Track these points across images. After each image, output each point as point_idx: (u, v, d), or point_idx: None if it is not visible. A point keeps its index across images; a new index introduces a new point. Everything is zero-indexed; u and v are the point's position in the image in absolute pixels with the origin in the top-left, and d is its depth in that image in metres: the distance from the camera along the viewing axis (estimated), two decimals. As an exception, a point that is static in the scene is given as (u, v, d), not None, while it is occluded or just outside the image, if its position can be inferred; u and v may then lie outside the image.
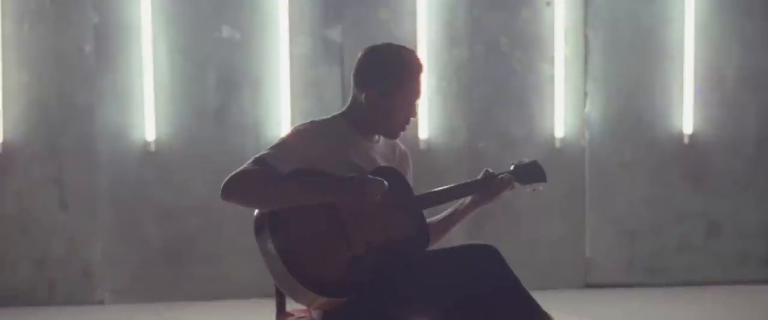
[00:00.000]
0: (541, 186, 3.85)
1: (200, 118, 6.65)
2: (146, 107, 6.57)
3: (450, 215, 3.85)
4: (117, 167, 6.61)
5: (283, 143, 3.46)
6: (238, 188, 3.32)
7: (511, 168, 3.83)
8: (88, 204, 6.62)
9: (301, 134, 3.50)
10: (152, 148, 6.61)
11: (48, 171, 6.59)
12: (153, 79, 6.55)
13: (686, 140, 6.97)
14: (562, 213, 6.94)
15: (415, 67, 3.58)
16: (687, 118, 6.95)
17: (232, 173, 3.34)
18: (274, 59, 6.64)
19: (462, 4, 6.77)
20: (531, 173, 3.84)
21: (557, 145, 6.86)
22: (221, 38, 6.62)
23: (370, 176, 3.40)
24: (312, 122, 3.58)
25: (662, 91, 6.93)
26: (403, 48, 3.62)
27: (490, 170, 3.78)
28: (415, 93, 3.60)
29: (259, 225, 3.37)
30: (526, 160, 3.87)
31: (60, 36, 6.52)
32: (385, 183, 3.40)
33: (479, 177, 3.78)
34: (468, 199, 3.80)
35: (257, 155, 3.41)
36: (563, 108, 6.86)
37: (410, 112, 3.60)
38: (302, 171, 3.39)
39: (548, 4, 6.79)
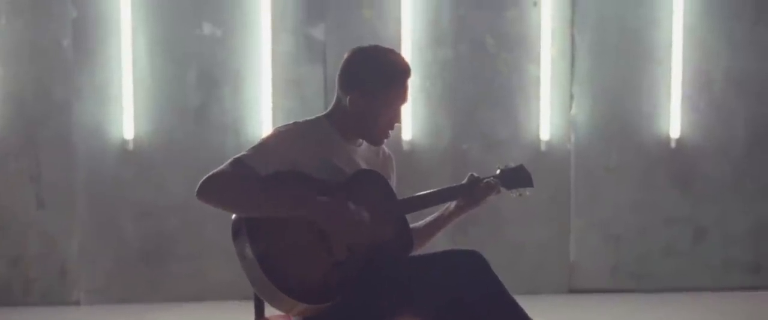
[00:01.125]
0: (527, 192, 3.82)
1: (180, 116, 6.62)
2: (125, 104, 6.54)
3: (434, 220, 3.81)
4: (94, 164, 6.57)
5: (264, 144, 3.42)
6: (214, 190, 3.27)
7: (497, 172, 3.80)
8: (65, 201, 6.58)
9: (282, 135, 3.45)
10: (130, 145, 6.58)
11: (24, 167, 6.55)
12: (132, 75, 6.52)
13: (673, 144, 6.96)
14: (547, 217, 6.92)
15: (402, 71, 3.54)
16: (674, 121, 6.94)
17: (209, 174, 3.29)
18: (256, 57, 6.62)
19: (447, 3, 6.75)
20: (517, 178, 3.81)
21: (542, 147, 6.85)
22: (202, 35, 6.59)
23: (350, 204, 3.33)
24: (294, 123, 3.54)
25: (649, 94, 6.92)
26: (391, 51, 3.58)
27: (475, 174, 3.74)
28: (401, 98, 3.56)
29: (237, 229, 3.32)
30: (512, 164, 3.83)
31: (38, 29, 6.48)
32: (366, 216, 3.34)
33: (464, 181, 3.74)
34: (453, 204, 3.77)
35: (236, 156, 3.36)
36: (549, 110, 6.84)
37: (395, 117, 3.56)
38: (282, 177, 3.34)
39: (535, 4, 6.78)
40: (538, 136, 6.86)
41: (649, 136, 6.96)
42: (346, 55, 3.55)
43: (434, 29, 6.76)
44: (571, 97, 6.87)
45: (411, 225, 3.66)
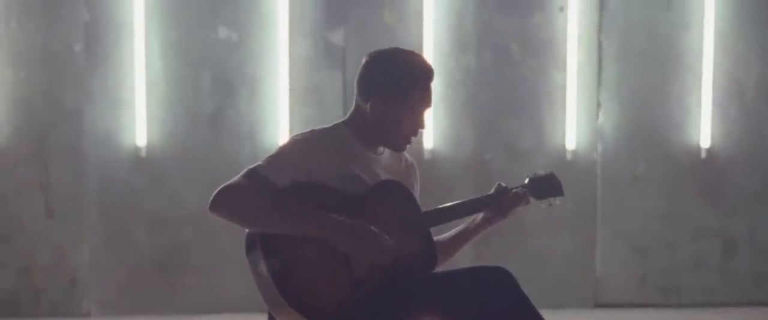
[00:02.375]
0: (557, 201, 3.73)
1: (194, 123, 6.58)
2: (137, 110, 6.51)
3: (459, 233, 3.71)
4: (106, 172, 6.53)
5: (280, 154, 3.33)
6: (226, 203, 3.20)
7: (526, 181, 3.70)
8: (76, 210, 6.54)
9: (299, 144, 3.36)
10: (143, 153, 6.54)
11: (33, 175, 6.51)
12: (145, 80, 6.48)
13: (703, 153, 6.91)
14: (572, 229, 6.86)
15: (425, 74, 3.43)
16: (704, 130, 6.89)
17: (223, 185, 3.22)
18: (273, 62, 6.58)
19: (471, 7, 6.70)
20: (548, 187, 3.71)
21: (568, 157, 6.79)
22: (217, 39, 6.55)
23: (374, 230, 3.22)
24: (312, 131, 3.45)
25: (679, 102, 6.87)
26: (412, 53, 3.48)
27: (503, 184, 3.65)
28: (425, 102, 3.45)
29: (250, 243, 3.23)
30: (541, 172, 3.74)
31: (49, 33, 6.44)
32: (392, 243, 3.21)
33: (491, 191, 3.65)
34: (479, 216, 3.67)
35: (252, 166, 3.27)
36: (575, 118, 6.79)
37: (418, 122, 3.46)
38: (300, 189, 3.25)
39: (561, 9, 6.73)
40: (563, 144, 6.81)
41: (678, 145, 6.91)
42: (364, 60, 3.45)
43: (457, 34, 6.71)
44: (598, 104, 6.82)
45: (435, 239, 3.57)
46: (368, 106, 3.40)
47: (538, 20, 6.76)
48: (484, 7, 6.72)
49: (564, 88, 6.76)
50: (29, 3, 6.42)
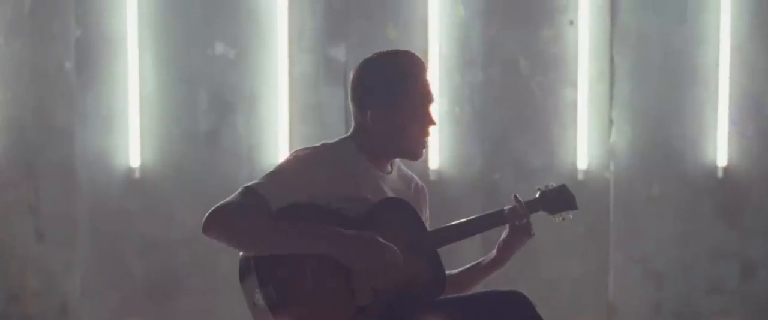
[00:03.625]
0: (571, 215, 3.64)
1: (190, 143, 6.51)
2: (131, 129, 6.44)
3: (476, 263, 3.60)
4: (98, 194, 6.47)
5: (279, 171, 3.22)
6: (220, 224, 3.10)
7: (537, 195, 3.61)
8: (67, 234, 6.47)
9: (301, 161, 3.25)
10: (137, 174, 6.48)
11: (22, 198, 6.45)
12: (139, 98, 6.42)
13: (720, 173, 6.79)
14: (584, 252, 6.76)
15: (416, 68, 3.34)
16: (721, 148, 6.78)
17: (217, 205, 3.12)
18: (272, 79, 6.51)
19: (477, 22, 6.62)
20: (560, 200, 3.63)
21: (580, 176, 6.69)
22: (214, 55, 6.48)
23: (382, 240, 3.09)
24: (315, 147, 3.35)
25: (694, 119, 6.77)
26: (397, 51, 3.40)
27: (518, 196, 3.53)
28: (425, 97, 3.35)
29: (245, 270, 3.12)
30: (552, 185, 3.66)
31: (38, 50, 6.38)
32: (398, 253, 3.06)
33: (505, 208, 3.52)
34: (494, 252, 3.55)
35: (248, 184, 3.17)
36: (586, 136, 6.70)
37: (426, 120, 3.35)
38: (299, 210, 3.13)
39: (571, 22, 6.65)
40: (574, 164, 6.71)
41: (694, 164, 6.80)
42: (352, 72, 3.36)
43: (463, 50, 6.63)
44: (611, 122, 6.72)
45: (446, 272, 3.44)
46: (368, 116, 3.29)
47: (547, 34, 6.67)
48: (491, 21, 6.64)
49: (575, 104, 6.67)
50: (17, 19, 6.36)
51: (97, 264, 6.50)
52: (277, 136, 6.52)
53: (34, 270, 6.48)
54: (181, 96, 6.49)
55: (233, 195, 3.16)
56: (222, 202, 3.14)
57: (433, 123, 3.37)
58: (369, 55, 3.48)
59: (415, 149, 3.36)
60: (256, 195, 3.13)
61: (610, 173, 6.74)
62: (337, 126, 6.43)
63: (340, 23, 6.57)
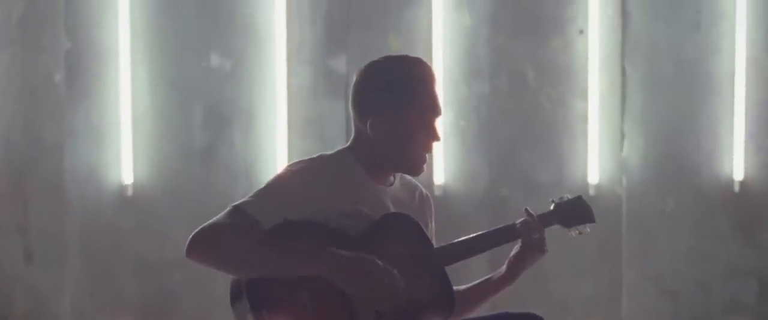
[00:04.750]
0: (588, 228, 3.52)
1: (184, 159, 6.46)
2: (123, 145, 6.39)
3: (485, 280, 3.46)
4: (89, 212, 6.42)
5: (271, 188, 3.10)
6: (205, 247, 2.97)
7: (551, 207, 3.49)
8: (57, 254, 6.41)
9: (294, 176, 3.12)
10: (129, 191, 6.42)
11: (10, 216, 6.41)
12: (131, 113, 6.37)
13: (736, 187, 6.72)
14: (596, 270, 6.68)
15: (426, 77, 3.20)
16: (738, 162, 6.71)
17: (202, 226, 2.99)
18: (270, 92, 6.46)
19: (484, 31, 6.56)
20: (576, 212, 3.50)
21: (591, 192, 6.58)
22: (209, 67, 6.43)
23: (380, 263, 2.97)
24: (309, 160, 3.22)
25: (709, 132, 6.70)
26: (405, 57, 3.26)
27: (530, 210, 3.40)
28: (431, 109, 3.21)
29: (236, 294, 2.98)
30: (567, 196, 3.53)
31: (26, 63, 6.34)
32: (398, 276, 2.97)
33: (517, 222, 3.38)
34: (504, 268, 3.43)
35: (237, 202, 3.06)
36: (597, 150, 6.64)
37: (431, 134, 3.21)
38: (292, 229, 3.01)
39: (581, 32, 6.58)
40: (585, 179, 6.64)
41: (710, 178, 6.73)
42: (355, 77, 3.21)
43: (469, 60, 6.57)
44: (622, 135, 6.66)
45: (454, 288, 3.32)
46: (368, 126, 3.15)
47: (556, 44, 6.62)
48: (498, 31, 6.58)
49: (585, 117, 6.61)
50: (5, 29, 6.33)
51: (88, 286, 6.44)
52: (275, 151, 6.46)
53: (23, 292, 6.43)
54: (175, 110, 6.44)
55: (220, 215, 3.05)
56: (207, 223, 3.02)
57: (437, 138, 3.25)
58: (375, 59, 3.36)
59: (415, 164, 3.23)
60: (245, 214, 3.02)
61: (622, 188, 6.68)
62: (338, 141, 6.29)
63: (340, 33, 6.53)
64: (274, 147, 6.46)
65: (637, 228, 6.71)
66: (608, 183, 6.67)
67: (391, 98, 3.14)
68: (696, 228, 6.75)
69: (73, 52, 6.32)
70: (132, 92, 6.36)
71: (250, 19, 6.45)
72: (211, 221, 3.03)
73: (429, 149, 3.23)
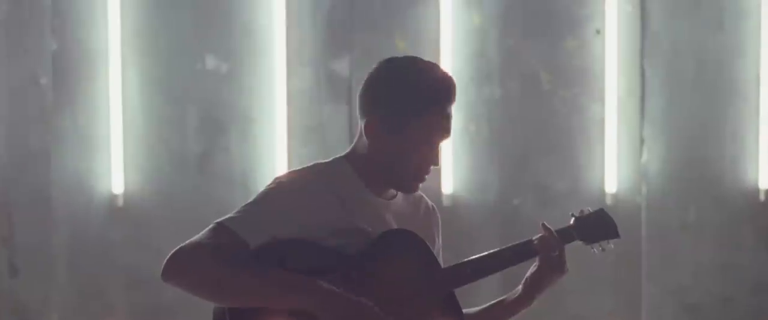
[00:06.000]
0: (611, 244, 3.37)
1: (178, 167, 6.42)
2: (113, 152, 6.37)
3: (498, 302, 3.23)
4: (77, 224, 6.38)
5: (259, 202, 2.89)
6: (179, 271, 2.85)
7: (571, 222, 3.28)
8: (43, 268, 6.35)
9: (284, 188, 2.91)
10: (120, 201, 6.39)
11: None
12: (121, 118, 6.37)
13: (762, 196, 6.65)
14: (614, 284, 6.62)
15: (441, 95, 2.96)
16: (763, 169, 6.66)
17: (180, 246, 2.84)
18: (268, 96, 6.44)
19: (494, 31, 6.51)
20: (599, 227, 3.33)
21: (608, 201, 6.53)
22: (204, 70, 6.40)
23: (375, 308, 2.79)
24: (301, 170, 3.03)
25: (734, 137, 6.64)
26: (435, 66, 3.01)
27: (547, 224, 3.19)
28: (440, 131, 2.97)
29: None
30: (588, 210, 3.34)
31: (11, 65, 6.29)
32: (378, 312, 2.79)
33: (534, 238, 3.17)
34: (520, 288, 3.21)
35: (220, 219, 2.86)
36: (615, 157, 6.59)
37: (431, 156, 2.98)
38: (281, 249, 2.81)
39: (598, 32, 6.53)
40: (602, 188, 6.59)
41: (734, 187, 6.67)
42: (371, 70, 3.01)
43: (479, 62, 6.52)
44: (642, 141, 6.60)
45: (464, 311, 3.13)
46: (363, 124, 2.95)
47: (571, 45, 6.57)
48: (509, 31, 6.54)
49: (602, 122, 6.57)
50: None
51: (77, 301, 6.41)
52: (274, 159, 6.44)
53: (8, 308, 6.37)
54: (168, 115, 6.43)
55: (202, 233, 2.88)
56: (186, 243, 2.87)
57: (436, 163, 3.01)
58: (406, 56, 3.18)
59: (406, 181, 3.01)
60: (229, 233, 2.82)
61: (641, 197, 6.65)
62: (341, 147, 6.15)
63: (343, 35, 6.51)
64: (273, 154, 6.43)
65: (657, 239, 6.66)
66: (627, 192, 6.63)
67: (400, 101, 2.92)
68: (719, 240, 6.70)
69: (59, 54, 6.29)
70: (122, 96, 6.34)
71: (248, 19, 6.43)
72: (191, 240, 2.87)
73: (425, 171, 3.01)
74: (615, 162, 6.58)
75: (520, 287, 3.20)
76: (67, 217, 6.33)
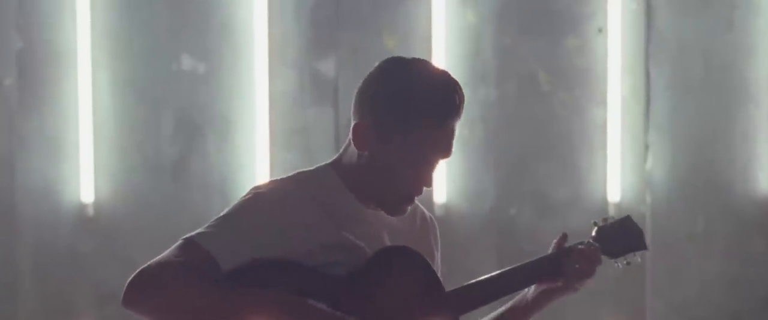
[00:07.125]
0: (638, 257, 3.18)
1: (152, 173, 6.36)
2: (83, 158, 6.30)
3: (510, 311, 3.07)
4: (44, 235, 6.30)
5: (232, 216, 2.68)
6: (146, 294, 2.59)
7: (594, 233, 3.11)
8: (6, 282, 6.27)
9: (262, 200, 2.71)
10: (90, 211, 6.32)
11: None
12: (92, 121, 6.30)
13: None
14: (617, 299, 6.54)
15: (443, 108, 2.72)
16: None
17: (143, 267, 2.63)
18: (249, 98, 6.39)
19: (490, 30, 6.46)
20: (625, 237, 3.15)
21: (611, 210, 6.46)
22: (180, 70, 6.34)
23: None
24: (281, 180, 2.84)
25: (743, 142, 6.57)
26: (439, 74, 2.77)
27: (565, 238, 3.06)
28: (440, 147, 2.76)
29: None
30: (613, 218, 3.17)
31: None
32: None
33: (549, 252, 3.03)
34: (531, 291, 3.05)
35: (190, 234, 2.66)
36: (619, 163, 6.53)
37: (427, 174, 2.77)
38: (258, 270, 2.60)
39: (600, 31, 6.47)
40: (605, 196, 6.53)
41: (744, 195, 6.60)
42: (373, 68, 2.81)
43: (474, 63, 6.46)
44: (646, 146, 6.53)
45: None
46: (350, 129, 2.74)
47: (571, 45, 6.51)
48: (506, 30, 6.48)
49: (605, 126, 6.53)
50: None
51: (44, 317, 6.33)
52: (254, 165, 6.41)
53: None
54: (141, 118, 6.38)
55: (168, 250, 2.66)
56: (150, 263, 2.65)
57: (428, 183, 2.79)
58: (414, 58, 2.93)
59: (393, 203, 2.79)
60: (198, 250, 2.61)
61: (646, 206, 6.60)
62: (326, 152, 6.24)
63: (328, 33, 6.48)
64: (254, 159, 6.39)
65: (662, 251, 6.59)
66: (631, 200, 6.58)
67: (395, 112, 2.70)
68: (728, 251, 6.65)
69: (25, 53, 6.25)
70: (92, 98, 6.27)
71: (227, 16, 6.39)
72: (155, 260, 2.66)
73: (417, 191, 2.78)
74: (618, 169, 6.54)
75: (529, 295, 3.06)
76: (33, 228, 6.27)
